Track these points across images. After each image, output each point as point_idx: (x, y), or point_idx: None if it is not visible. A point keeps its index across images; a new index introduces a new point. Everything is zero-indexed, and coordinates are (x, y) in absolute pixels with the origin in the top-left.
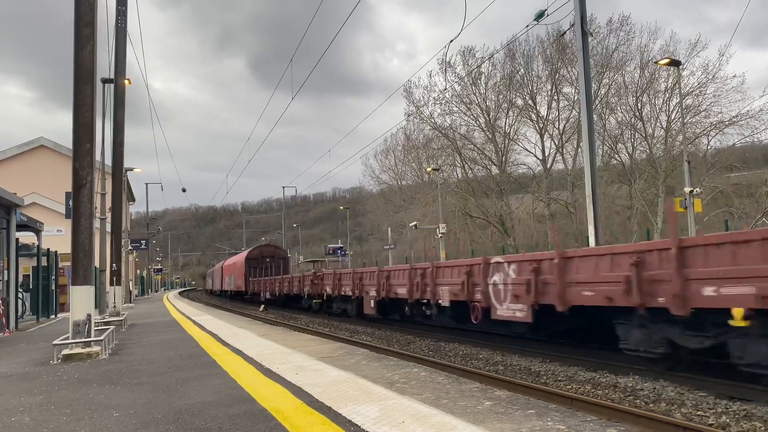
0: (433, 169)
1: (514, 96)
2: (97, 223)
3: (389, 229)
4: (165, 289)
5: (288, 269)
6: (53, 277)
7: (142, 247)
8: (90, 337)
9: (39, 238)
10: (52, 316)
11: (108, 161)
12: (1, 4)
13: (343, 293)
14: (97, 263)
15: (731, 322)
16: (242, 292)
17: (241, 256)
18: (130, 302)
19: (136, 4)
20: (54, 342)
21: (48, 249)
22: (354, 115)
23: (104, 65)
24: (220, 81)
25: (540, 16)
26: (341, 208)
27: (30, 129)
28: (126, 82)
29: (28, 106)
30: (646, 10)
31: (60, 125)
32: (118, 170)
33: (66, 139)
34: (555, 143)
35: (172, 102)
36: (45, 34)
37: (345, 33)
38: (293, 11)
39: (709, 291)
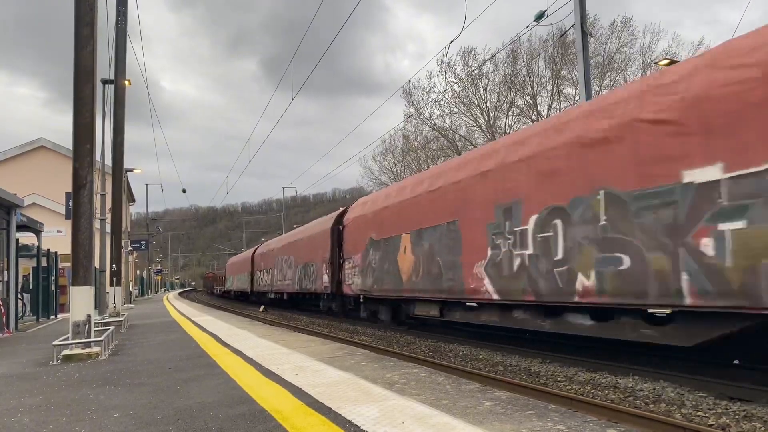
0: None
1: (514, 96)
2: (97, 224)
3: None
4: (165, 290)
5: None
6: (53, 278)
7: (142, 247)
8: (90, 337)
9: (39, 239)
10: (52, 317)
11: (108, 162)
12: (20, 6)
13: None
14: (97, 264)
15: None
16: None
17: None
18: (130, 303)
19: (136, 4)
20: (54, 342)
21: (48, 249)
22: (364, 116)
23: (108, 65)
24: (233, 82)
25: (540, 16)
26: (341, 208)
27: (43, 129)
28: (126, 82)
29: (43, 106)
30: (658, 11)
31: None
32: (118, 171)
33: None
34: None
35: (182, 102)
36: (60, 34)
37: (359, 35)
38: (312, 13)
39: None
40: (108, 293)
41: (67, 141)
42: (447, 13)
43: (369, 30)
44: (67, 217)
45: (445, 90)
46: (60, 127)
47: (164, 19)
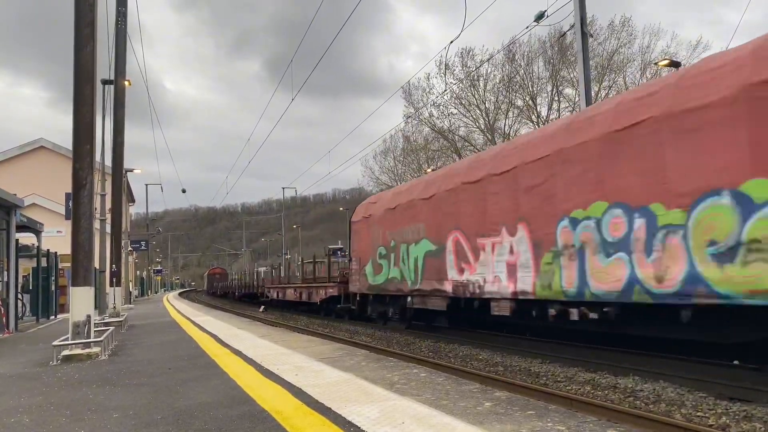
0: (433, 171)
1: (514, 97)
2: (97, 224)
3: None
4: (165, 290)
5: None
6: (53, 278)
7: (142, 248)
8: (90, 338)
9: (39, 239)
10: (52, 317)
11: (108, 162)
12: (23, 6)
13: None
14: (96, 264)
15: None
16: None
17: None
18: (130, 303)
19: (136, 4)
20: (54, 343)
21: (48, 250)
22: (368, 116)
23: (108, 66)
24: (236, 82)
25: (540, 17)
26: (341, 209)
27: (46, 130)
28: (126, 82)
29: (46, 106)
30: (659, 12)
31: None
32: (118, 171)
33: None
34: None
35: (185, 102)
36: (64, 34)
37: (363, 37)
38: (319, 13)
39: None
40: (108, 293)
41: (69, 141)
42: (448, 13)
43: (373, 32)
44: (67, 217)
45: (445, 91)
46: (64, 128)
47: (167, 20)
